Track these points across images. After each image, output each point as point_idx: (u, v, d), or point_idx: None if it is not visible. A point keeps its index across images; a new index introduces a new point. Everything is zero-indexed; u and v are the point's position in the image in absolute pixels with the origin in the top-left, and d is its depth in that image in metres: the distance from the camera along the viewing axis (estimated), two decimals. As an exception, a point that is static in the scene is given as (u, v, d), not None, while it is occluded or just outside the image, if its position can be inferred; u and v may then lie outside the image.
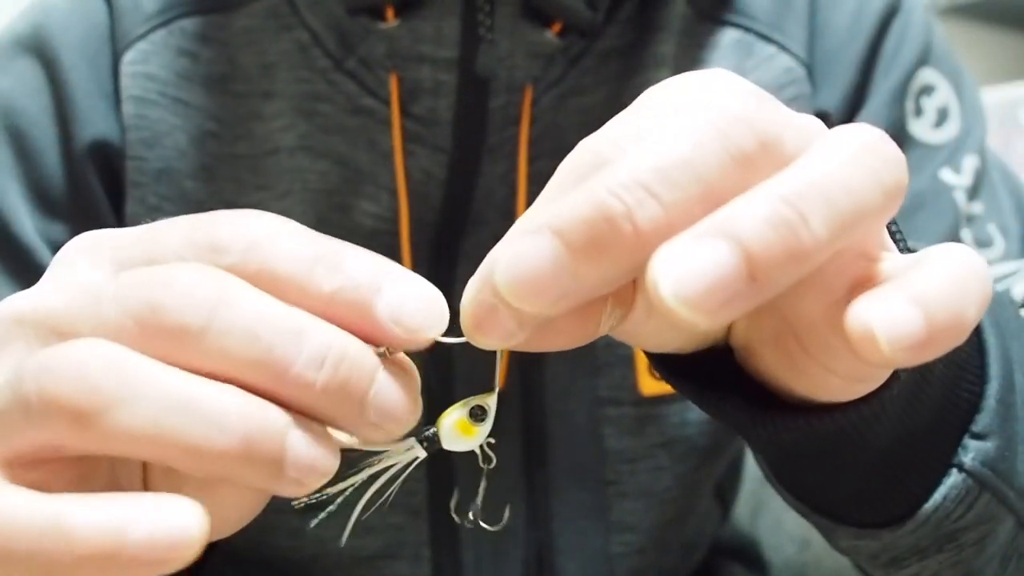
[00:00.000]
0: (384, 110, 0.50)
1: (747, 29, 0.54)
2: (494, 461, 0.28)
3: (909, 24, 0.56)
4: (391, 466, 0.27)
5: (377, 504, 0.27)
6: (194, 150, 0.51)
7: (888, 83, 0.54)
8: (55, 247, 0.43)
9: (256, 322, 0.23)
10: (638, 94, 0.54)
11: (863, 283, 0.24)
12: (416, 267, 0.50)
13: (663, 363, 0.31)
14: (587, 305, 0.25)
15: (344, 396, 0.24)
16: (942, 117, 0.55)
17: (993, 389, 0.33)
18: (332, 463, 0.24)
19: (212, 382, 0.23)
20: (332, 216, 0.51)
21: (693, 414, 0.53)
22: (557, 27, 0.50)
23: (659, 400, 0.52)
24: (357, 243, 0.25)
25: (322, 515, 0.27)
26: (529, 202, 0.51)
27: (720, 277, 0.20)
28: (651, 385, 0.52)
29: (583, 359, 0.52)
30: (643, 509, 0.53)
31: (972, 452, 0.32)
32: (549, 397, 0.52)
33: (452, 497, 0.51)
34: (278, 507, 0.52)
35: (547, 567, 0.53)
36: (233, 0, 0.52)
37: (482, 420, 0.28)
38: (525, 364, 0.52)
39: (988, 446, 0.33)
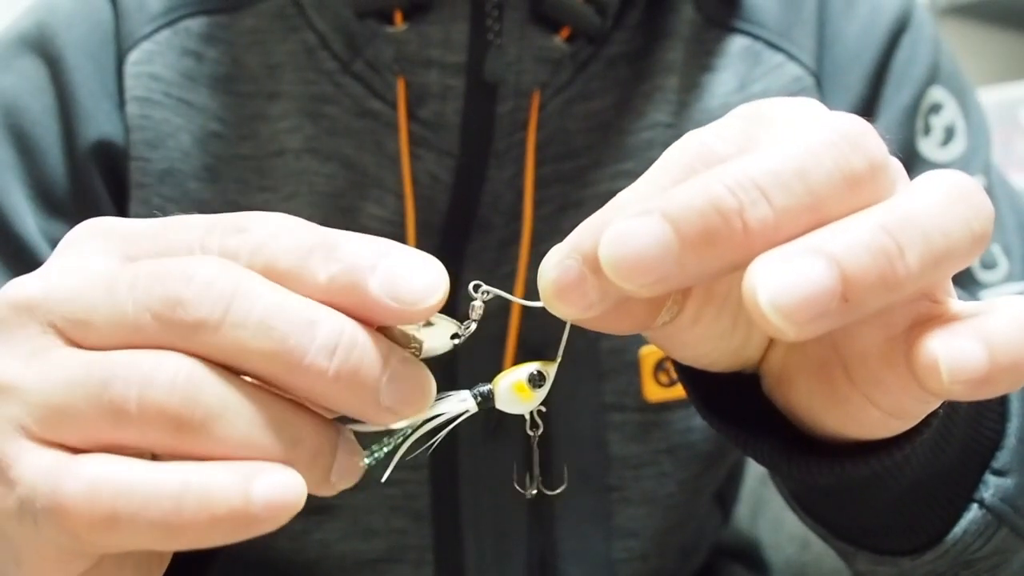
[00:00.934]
0: (391, 113, 0.50)
1: (756, 37, 0.54)
2: (541, 428, 0.29)
3: (919, 40, 0.56)
4: (440, 415, 0.27)
5: (418, 452, 0.27)
6: (198, 151, 0.51)
7: (899, 101, 0.54)
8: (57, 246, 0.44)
9: (269, 315, 0.24)
10: (645, 100, 0.54)
11: (923, 323, 0.25)
12: None
13: (695, 391, 0.31)
14: (659, 296, 0.26)
15: (357, 384, 0.24)
16: (949, 135, 0.55)
17: (1014, 427, 0.34)
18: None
19: (299, 404, 0.25)
20: (338, 219, 0.51)
21: (698, 420, 0.53)
22: (565, 32, 0.50)
23: (664, 406, 0.52)
24: None
25: (372, 459, 0.27)
26: (535, 207, 0.51)
27: (815, 292, 0.21)
28: (656, 392, 0.52)
29: (588, 365, 0.52)
30: (646, 515, 0.53)
31: (992, 488, 0.33)
32: (553, 402, 0.52)
33: (459, 501, 0.51)
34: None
35: (549, 572, 0.53)
36: (239, 1, 0.52)
37: (540, 386, 0.28)
38: None
39: (1008, 483, 0.33)
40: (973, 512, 0.33)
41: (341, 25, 0.51)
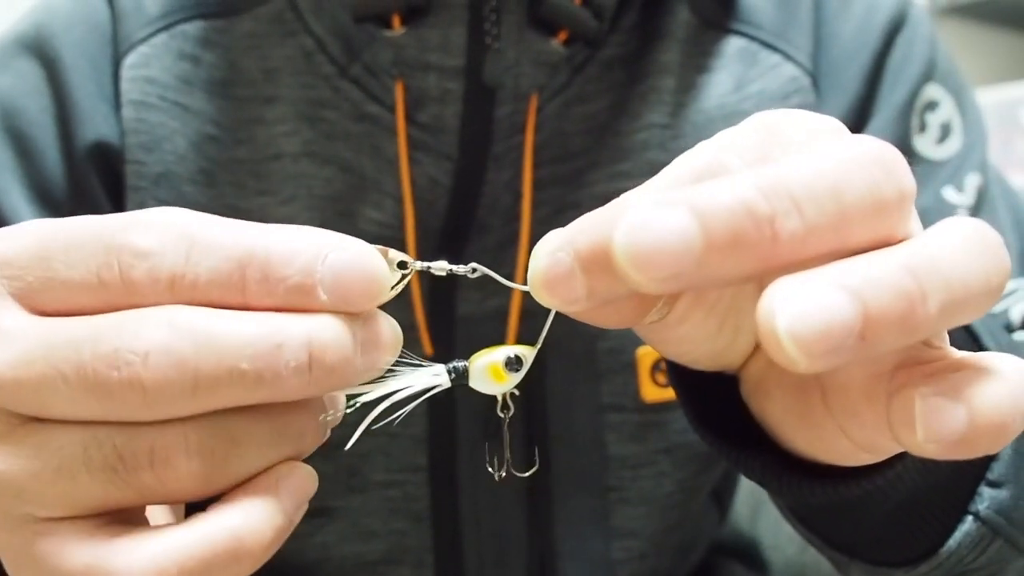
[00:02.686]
0: (389, 117, 0.50)
1: (752, 38, 0.54)
2: (512, 410, 0.29)
3: (915, 38, 0.56)
4: (410, 386, 0.27)
5: (385, 422, 0.27)
6: (194, 154, 0.51)
7: (894, 98, 0.54)
8: None
9: (233, 355, 0.23)
10: (641, 101, 0.54)
11: (910, 366, 0.24)
12: (420, 274, 0.50)
13: (689, 403, 0.31)
14: (650, 296, 0.25)
15: (336, 377, 0.24)
16: (945, 133, 0.55)
17: None
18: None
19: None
20: (336, 222, 0.51)
21: (696, 421, 0.53)
22: (563, 36, 0.50)
23: (662, 407, 0.52)
24: None
25: (339, 414, 0.27)
26: (534, 208, 0.51)
27: (834, 326, 0.20)
28: (653, 392, 0.52)
29: (585, 366, 0.52)
30: (644, 515, 0.54)
31: (987, 500, 0.33)
32: (551, 403, 0.52)
33: (458, 503, 0.51)
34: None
35: (549, 572, 0.53)
36: (236, 5, 0.52)
37: (516, 370, 0.28)
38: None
39: (1003, 494, 0.33)
40: (968, 524, 0.33)
41: (339, 29, 0.51)
